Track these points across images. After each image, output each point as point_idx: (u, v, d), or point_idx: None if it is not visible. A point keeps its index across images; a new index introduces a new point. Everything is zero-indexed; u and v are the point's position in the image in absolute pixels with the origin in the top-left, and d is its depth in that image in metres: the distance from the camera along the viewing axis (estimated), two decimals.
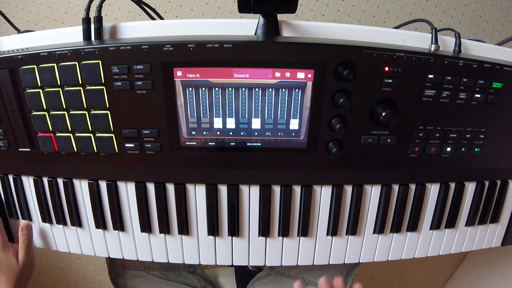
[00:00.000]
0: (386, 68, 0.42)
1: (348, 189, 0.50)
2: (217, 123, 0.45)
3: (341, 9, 0.98)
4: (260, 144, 0.46)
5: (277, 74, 0.42)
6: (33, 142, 0.47)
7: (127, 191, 0.50)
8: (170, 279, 0.70)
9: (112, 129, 0.45)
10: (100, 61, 0.41)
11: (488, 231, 0.57)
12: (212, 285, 0.78)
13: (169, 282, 0.69)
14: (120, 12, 0.95)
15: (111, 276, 0.68)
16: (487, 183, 0.53)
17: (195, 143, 0.46)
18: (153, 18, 0.60)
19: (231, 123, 0.45)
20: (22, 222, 0.52)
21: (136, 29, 0.46)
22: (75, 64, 0.42)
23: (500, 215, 0.56)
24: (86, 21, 0.45)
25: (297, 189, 0.50)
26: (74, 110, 0.44)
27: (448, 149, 0.47)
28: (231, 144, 0.46)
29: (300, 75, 0.42)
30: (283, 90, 0.43)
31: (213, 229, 0.51)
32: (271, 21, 0.45)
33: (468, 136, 0.47)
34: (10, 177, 0.52)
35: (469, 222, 0.54)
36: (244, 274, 0.82)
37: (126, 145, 0.45)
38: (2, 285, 0.50)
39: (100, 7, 0.46)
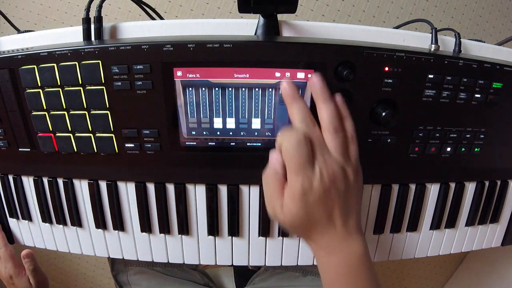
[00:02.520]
0: (386, 68, 0.42)
1: None
2: (217, 123, 0.45)
3: (341, 9, 0.98)
4: (260, 144, 0.46)
5: (277, 74, 0.42)
6: (33, 142, 0.47)
7: (127, 191, 0.50)
8: (173, 275, 0.70)
9: (112, 129, 0.45)
10: (100, 61, 0.41)
11: (488, 231, 0.57)
12: (213, 283, 0.78)
13: (173, 278, 0.69)
14: (120, 12, 0.95)
15: (113, 273, 0.68)
16: (487, 183, 0.53)
17: (195, 143, 0.46)
18: (153, 18, 0.60)
19: (231, 123, 0.45)
20: (23, 252, 0.53)
21: (136, 29, 0.46)
22: (75, 64, 0.42)
23: (500, 215, 0.56)
24: (86, 21, 0.45)
25: None
26: (74, 110, 0.44)
27: (448, 149, 0.47)
28: (231, 144, 0.46)
29: (300, 75, 0.42)
30: None
31: (213, 229, 0.51)
32: (271, 21, 0.45)
33: (468, 136, 0.47)
34: (10, 177, 0.52)
35: (469, 222, 0.54)
36: (243, 273, 0.82)
37: (126, 145, 0.45)
38: None
39: (100, 7, 0.46)
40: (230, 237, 0.52)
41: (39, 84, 0.43)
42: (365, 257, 0.35)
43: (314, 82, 0.35)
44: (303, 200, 0.33)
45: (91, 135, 0.45)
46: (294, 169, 0.33)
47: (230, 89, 0.43)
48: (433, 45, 0.46)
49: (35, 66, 0.42)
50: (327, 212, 0.34)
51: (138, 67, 0.41)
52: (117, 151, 0.46)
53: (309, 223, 0.34)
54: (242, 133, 0.45)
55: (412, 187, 0.51)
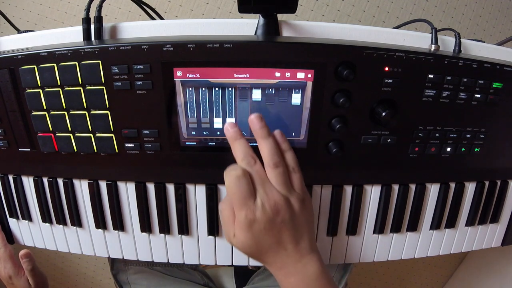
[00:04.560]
0: (386, 68, 0.42)
1: (348, 189, 0.50)
2: (217, 123, 0.45)
3: (341, 9, 0.98)
4: None
5: (277, 74, 0.42)
6: (33, 142, 0.47)
7: (127, 191, 0.50)
8: (173, 274, 0.70)
9: (112, 129, 0.45)
10: (100, 61, 0.41)
11: (488, 231, 0.57)
12: (213, 283, 0.78)
13: (172, 278, 0.70)
14: (120, 12, 0.95)
15: (113, 272, 0.68)
16: (487, 183, 0.53)
17: (195, 143, 0.46)
18: (153, 18, 0.60)
19: None
20: (21, 252, 0.53)
21: (136, 29, 0.46)
22: (75, 64, 0.42)
23: (500, 215, 0.56)
24: (86, 21, 0.45)
25: None
26: (74, 110, 0.44)
27: (448, 149, 0.47)
28: None
29: (300, 75, 0.42)
30: (283, 90, 0.43)
31: (213, 229, 0.51)
32: (271, 21, 0.45)
33: (468, 136, 0.47)
34: (10, 177, 0.52)
35: (469, 222, 0.55)
36: (243, 273, 0.82)
37: (126, 145, 0.45)
38: None
39: (100, 7, 0.46)
40: None
41: (39, 84, 0.43)
42: (322, 276, 0.37)
43: (253, 120, 0.37)
44: (249, 230, 0.35)
45: (91, 135, 0.45)
46: (236, 202, 0.35)
47: (230, 89, 0.43)
48: (433, 45, 0.46)
49: (35, 66, 0.42)
50: (276, 239, 0.36)
51: (138, 67, 0.41)
52: (117, 151, 0.46)
53: (260, 250, 0.37)
54: (242, 133, 0.45)
55: (412, 187, 0.51)
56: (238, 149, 0.37)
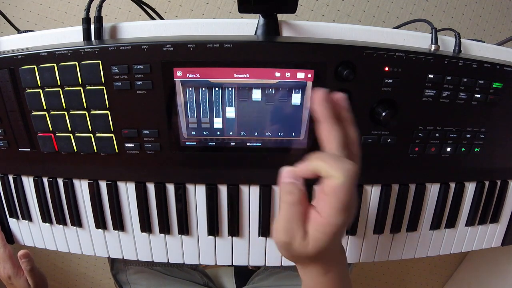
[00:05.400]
0: (386, 68, 0.42)
1: None
2: (217, 123, 0.45)
3: (341, 9, 0.98)
4: (260, 144, 0.46)
5: (277, 74, 0.42)
6: (33, 142, 0.47)
7: (127, 191, 0.50)
8: (173, 274, 0.70)
9: (112, 129, 0.45)
10: (100, 61, 0.41)
11: (488, 231, 0.57)
12: (213, 282, 0.78)
13: (172, 278, 0.70)
14: (120, 12, 0.95)
15: (113, 272, 0.68)
16: (487, 183, 0.53)
17: (195, 143, 0.46)
18: (153, 18, 0.60)
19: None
20: (20, 252, 0.53)
21: (136, 29, 0.46)
22: (75, 64, 0.42)
23: (500, 215, 0.56)
24: (86, 21, 0.45)
25: None
26: (74, 110, 0.44)
27: (448, 149, 0.47)
28: (231, 144, 0.46)
29: (300, 75, 0.42)
30: (283, 90, 0.43)
31: (213, 229, 0.51)
32: (271, 21, 0.45)
33: (468, 136, 0.47)
34: (10, 177, 0.52)
35: (469, 222, 0.54)
36: (243, 273, 0.82)
37: (126, 145, 0.45)
38: None
39: (100, 7, 0.46)
40: (230, 237, 0.52)
41: (39, 84, 0.43)
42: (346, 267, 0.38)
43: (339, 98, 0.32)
44: (335, 235, 0.30)
45: (91, 135, 0.45)
46: (342, 206, 0.28)
47: (230, 89, 0.43)
48: (433, 45, 0.46)
49: (35, 66, 0.42)
50: (339, 240, 0.35)
51: (138, 67, 0.41)
52: (117, 151, 0.46)
53: (327, 253, 0.32)
54: (242, 133, 0.45)
55: (412, 187, 0.51)
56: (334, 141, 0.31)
